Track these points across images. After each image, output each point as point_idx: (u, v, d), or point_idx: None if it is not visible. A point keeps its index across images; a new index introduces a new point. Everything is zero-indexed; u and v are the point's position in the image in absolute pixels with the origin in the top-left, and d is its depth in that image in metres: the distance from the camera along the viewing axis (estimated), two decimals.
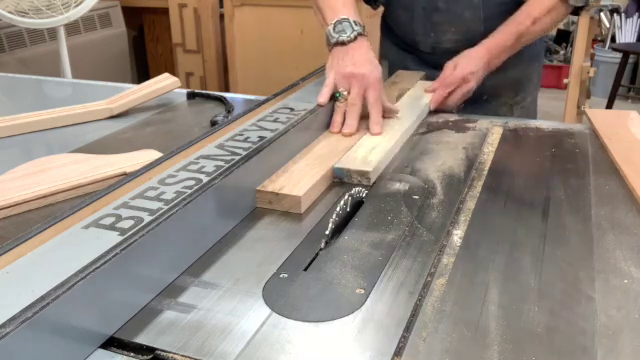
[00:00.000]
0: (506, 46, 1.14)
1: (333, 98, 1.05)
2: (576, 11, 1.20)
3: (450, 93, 1.17)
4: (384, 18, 1.43)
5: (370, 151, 0.93)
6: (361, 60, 1.05)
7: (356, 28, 1.07)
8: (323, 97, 1.03)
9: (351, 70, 1.04)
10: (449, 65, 1.17)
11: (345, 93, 1.04)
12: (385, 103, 1.05)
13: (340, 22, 1.08)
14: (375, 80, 1.04)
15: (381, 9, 1.40)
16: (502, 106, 1.28)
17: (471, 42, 1.21)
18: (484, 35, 1.22)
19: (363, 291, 0.62)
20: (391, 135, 1.00)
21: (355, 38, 1.07)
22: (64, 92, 1.55)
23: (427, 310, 0.59)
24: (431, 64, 1.31)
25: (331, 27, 1.08)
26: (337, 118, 1.04)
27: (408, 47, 1.35)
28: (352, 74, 1.04)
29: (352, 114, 1.02)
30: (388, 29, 1.40)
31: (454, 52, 1.20)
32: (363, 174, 0.87)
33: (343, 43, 1.07)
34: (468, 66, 1.15)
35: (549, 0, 1.15)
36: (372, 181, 0.87)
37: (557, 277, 0.65)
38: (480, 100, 1.26)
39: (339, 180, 0.88)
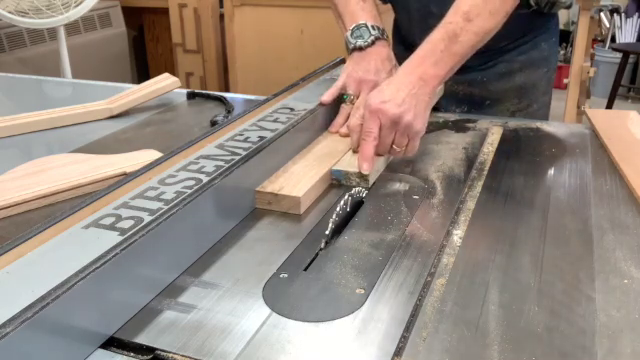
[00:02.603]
0: (437, 50, 0.92)
1: (340, 100, 1.05)
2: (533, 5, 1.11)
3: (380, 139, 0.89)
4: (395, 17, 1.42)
5: None
6: (375, 67, 1.05)
7: (373, 32, 1.07)
8: (327, 96, 1.03)
9: (362, 75, 1.04)
10: (369, 120, 0.89)
11: (352, 96, 1.04)
12: None
13: (358, 27, 1.07)
14: None
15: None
16: (504, 112, 1.27)
17: None
18: None
19: (363, 291, 0.62)
20: None
21: (373, 42, 1.06)
22: (64, 92, 1.55)
23: (427, 310, 0.59)
24: None
25: (349, 33, 1.08)
26: (339, 120, 1.04)
27: (412, 47, 1.34)
28: (363, 79, 1.04)
29: (355, 117, 1.02)
30: (397, 28, 1.40)
31: None
32: (362, 176, 0.86)
33: (361, 48, 1.06)
34: (378, 96, 0.89)
35: None
36: (370, 183, 0.87)
37: (557, 277, 0.65)
38: (483, 105, 1.25)
39: (337, 182, 0.88)
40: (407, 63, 0.94)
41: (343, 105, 1.05)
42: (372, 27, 1.07)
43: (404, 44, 1.36)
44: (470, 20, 0.94)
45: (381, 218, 0.77)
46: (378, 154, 0.90)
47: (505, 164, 0.95)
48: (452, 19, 0.95)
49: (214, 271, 0.66)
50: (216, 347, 0.54)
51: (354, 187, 0.82)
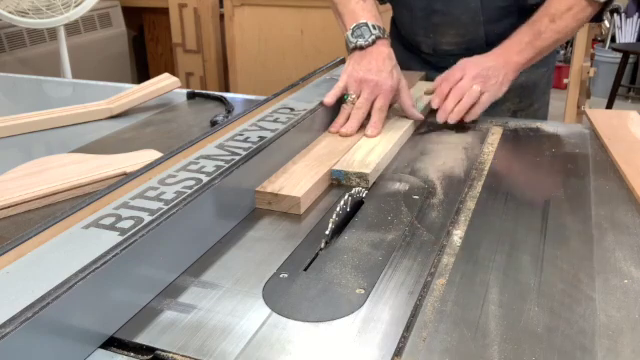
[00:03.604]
0: (522, 42, 1.09)
1: (341, 100, 1.05)
2: (599, 16, 1.15)
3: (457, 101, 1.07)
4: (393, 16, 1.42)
5: (368, 153, 0.93)
6: (376, 66, 1.05)
7: (374, 32, 1.07)
8: (329, 97, 1.04)
9: (363, 75, 1.04)
10: (455, 69, 1.11)
11: (354, 96, 1.04)
12: (409, 109, 1.07)
13: (359, 27, 1.08)
14: (387, 88, 1.03)
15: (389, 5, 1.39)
16: (506, 112, 1.27)
17: (472, 45, 1.20)
18: (485, 38, 1.21)
19: (363, 291, 0.62)
20: (389, 137, 1.00)
21: (373, 42, 1.06)
22: (64, 92, 1.55)
23: (427, 310, 0.59)
24: (434, 66, 1.30)
25: (350, 32, 1.08)
26: (340, 119, 1.04)
27: (412, 47, 1.34)
28: (364, 79, 1.04)
29: (356, 117, 1.02)
30: (395, 27, 1.40)
31: (455, 54, 1.19)
32: (361, 176, 0.86)
33: (361, 47, 1.07)
34: (472, 69, 1.08)
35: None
36: (370, 183, 0.87)
37: (557, 277, 0.65)
38: None
39: (337, 182, 0.88)
40: (493, 52, 1.10)
41: (344, 105, 1.05)
42: (373, 26, 1.07)
43: (403, 43, 1.36)
44: (554, 21, 1.08)
45: (381, 218, 0.77)
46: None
47: (505, 164, 0.95)
48: (538, 19, 1.10)
49: (214, 271, 0.66)
50: (216, 347, 0.54)
51: (354, 187, 0.82)
